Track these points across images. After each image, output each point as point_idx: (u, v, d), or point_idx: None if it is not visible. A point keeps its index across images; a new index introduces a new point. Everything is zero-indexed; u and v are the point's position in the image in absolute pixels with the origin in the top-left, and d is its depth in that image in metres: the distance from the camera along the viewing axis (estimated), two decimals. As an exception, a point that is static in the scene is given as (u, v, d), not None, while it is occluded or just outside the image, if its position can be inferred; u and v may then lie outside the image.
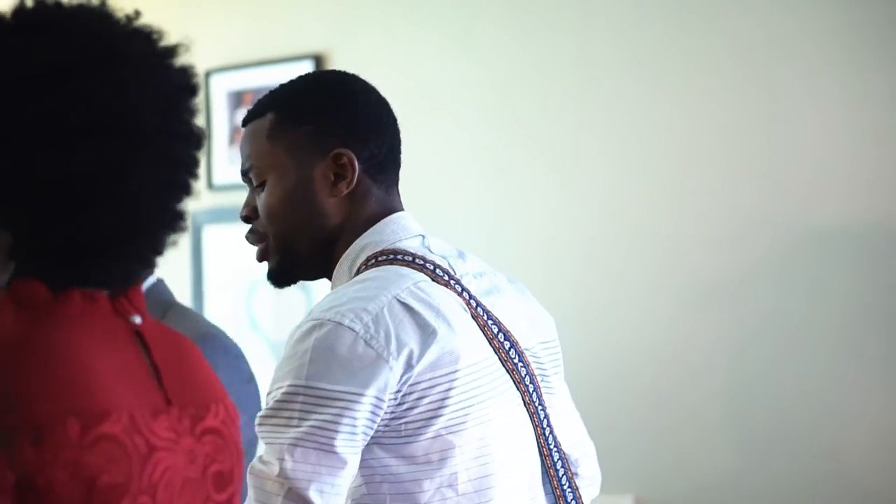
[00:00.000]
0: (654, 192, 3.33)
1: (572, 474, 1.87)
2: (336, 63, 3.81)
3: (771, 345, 3.18)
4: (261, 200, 1.87)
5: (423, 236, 1.87)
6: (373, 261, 1.81)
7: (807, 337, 3.14)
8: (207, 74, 3.99)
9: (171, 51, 1.31)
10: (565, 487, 1.84)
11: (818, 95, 3.14)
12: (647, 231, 3.34)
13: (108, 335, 1.27)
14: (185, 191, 1.33)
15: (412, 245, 1.84)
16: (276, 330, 3.87)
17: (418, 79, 3.69)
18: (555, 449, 1.84)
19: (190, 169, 1.33)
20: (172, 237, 1.34)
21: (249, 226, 1.91)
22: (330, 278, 1.89)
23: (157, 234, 1.32)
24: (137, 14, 1.31)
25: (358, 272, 1.81)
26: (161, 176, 1.29)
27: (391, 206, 1.88)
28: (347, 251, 1.84)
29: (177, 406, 1.29)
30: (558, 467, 1.84)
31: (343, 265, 1.84)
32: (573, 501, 1.85)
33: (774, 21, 3.20)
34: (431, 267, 1.80)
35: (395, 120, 1.90)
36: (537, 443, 1.82)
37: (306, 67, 3.79)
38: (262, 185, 1.87)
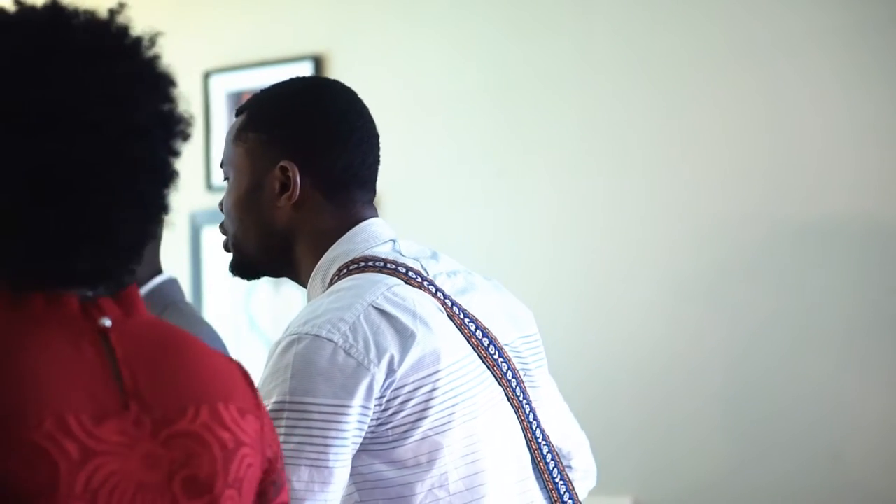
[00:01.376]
0: (655, 193, 3.33)
1: (564, 467, 1.86)
2: (335, 64, 3.81)
3: (771, 346, 3.18)
4: (226, 194, 1.91)
5: (394, 241, 1.87)
6: (344, 270, 1.81)
7: (806, 338, 3.14)
8: (206, 75, 3.99)
9: (133, 43, 1.29)
10: (557, 480, 1.84)
11: (820, 96, 3.14)
12: (646, 233, 3.34)
13: (69, 337, 1.25)
14: (156, 182, 1.30)
15: (383, 251, 1.84)
16: (274, 329, 3.87)
17: (417, 80, 3.69)
18: (543, 442, 1.83)
19: (150, 164, 1.29)
20: (152, 229, 1.31)
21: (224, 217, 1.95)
22: (294, 279, 1.90)
23: (122, 230, 1.28)
24: (121, 7, 1.30)
25: (331, 283, 1.81)
26: (117, 168, 1.26)
27: (353, 218, 1.87)
28: (319, 263, 1.84)
29: (136, 409, 1.25)
30: (548, 460, 1.84)
31: (316, 278, 1.85)
32: (566, 493, 1.85)
33: (775, 21, 3.20)
34: (404, 270, 1.80)
35: (363, 138, 1.89)
36: (525, 437, 1.82)
37: (306, 68, 3.80)
38: (227, 180, 1.91)
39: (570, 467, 1.95)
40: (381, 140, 1.93)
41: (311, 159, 1.85)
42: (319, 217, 1.85)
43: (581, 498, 1.95)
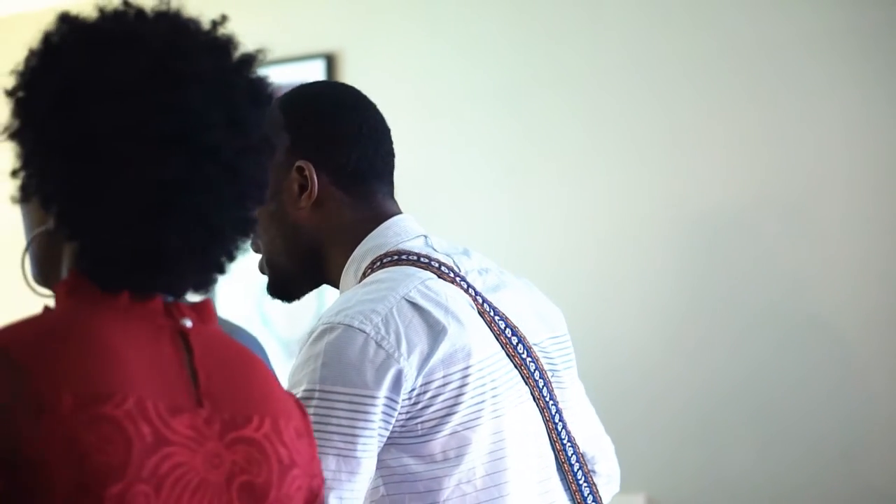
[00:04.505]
0: (658, 191, 3.34)
1: (588, 469, 1.87)
2: (348, 63, 3.82)
3: (782, 345, 3.18)
4: None
5: (426, 236, 1.87)
6: (378, 263, 1.81)
7: (816, 337, 3.15)
8: (220, 73, 3.99)
9: (244, 63, 1.32)
10: (581, 482, 1.84)
11: (816, 99, 3.17)
12: (655, 230, 3.34)
13: (150, 331, 1.28)
14: (255, 201, 1.34)
15: (416, 245, 1.84)
16: (288, 327, 3.88)
17: (429, 79, 3.70)
18: (568, 443, 1.83)
19: (258, 181, 1.33)
20: (243, 244, 1.35)
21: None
22: (331, 284, 1.90)
23: (224, 245, 1.33)
24: (223, 19, 1.33)
25: (364, 276, 1.82)
26: (226, 191, 1.29)
27: (378, 212, 1.88)
28: (352, 257, 1.85)
29: (208, 408, 1.28)
30: (572, 462, 1.83)
31: (349, 272, 1.85)
32: (590, 496, 1.84)
33: (778, 27, 3.22)
34: (437, 265, 1.81)
35: (374, 128, 1.90)
36: (549, 437, 1.82)
37: (318, 67, 3.80)
38: None
39: (593, 471, 1.94)
40: (391, 139, 1.94)
41: (324, 155, 1.86)
42: (341, 212, 1.87)
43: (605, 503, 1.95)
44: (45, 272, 1.36)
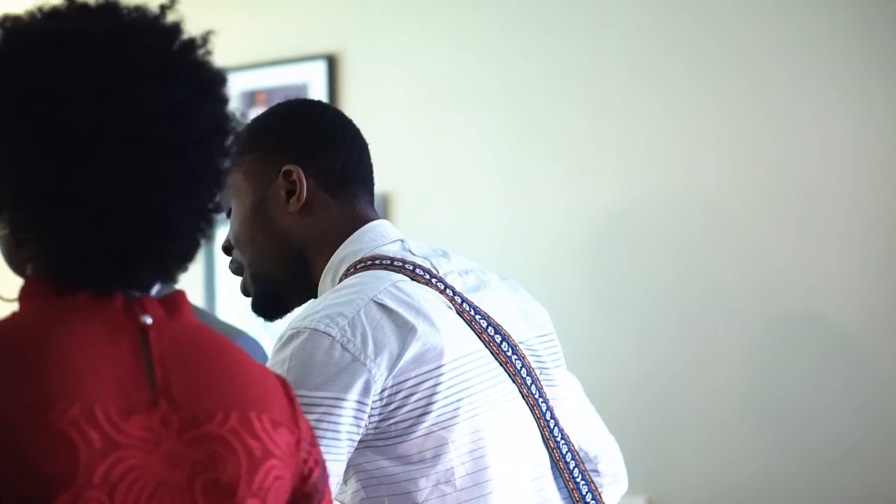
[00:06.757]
0: (663, 192, 3.34)
1: (585, 467, 1.85)
2: (349, 63, 3.81)
3: (785, 346, 3.18)
4: (230, 228, 1.91)
5: (403, 240, 1.87)
6: (352, 269, 1.81)
7: (818, 336, 3.14)
8: (221, 74, 3.99)
9: (185, 51, 1.30)
10: (578, 480, 1.83)
11: (818, 100, 3.17)
12: (658, 231, 3.34)
13: (108, 331, 1.26)
14: (212, 191, 1.32)
15: (392, 249, 1.84)
16: (288, 329, 3.87)
17: (431, 79, 3.69)
18: (562, 441, 1.82)
19: (212, 171, 1.32)
20: (208, 232, 1.33)
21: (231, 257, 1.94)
22: (315, 296, 1.89)
23: (185, 237, 1.31)
24: (172, 3, 1.32)
25: (340, 282, 1.82)
26: (178, 184, 1.28)
27: (359, 217, 1.88)
28: (328, 264, 1.85)
29: (164, 407, 1.26)
30: (568, 459, 1.82)
31: (326, 279, 1.85)
32: (588, 494, 1.83)
33: (783, 27, 3.22)
34: (411, 267, 1.81)
35: (354, 136, 1.92)
36: (542, 435, 1.81)
37: (319, 67, 3.80)
38: (230, 213, 1.91)
39: (596, 471, 1.93)
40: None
41: (311, 159, 1.87)
42: (327, 216, 1.86)
43: (611, 503, 1.94)
44: (17, 272, 1.35)
